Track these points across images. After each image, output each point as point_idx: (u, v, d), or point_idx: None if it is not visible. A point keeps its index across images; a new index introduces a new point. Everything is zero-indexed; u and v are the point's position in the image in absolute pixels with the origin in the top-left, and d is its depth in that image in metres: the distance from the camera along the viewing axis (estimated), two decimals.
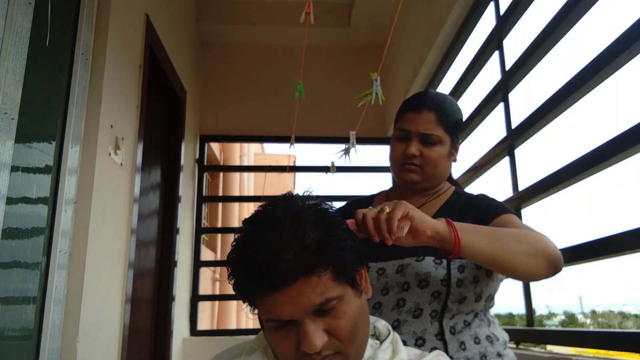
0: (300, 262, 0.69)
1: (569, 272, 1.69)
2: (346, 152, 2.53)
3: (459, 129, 1.21)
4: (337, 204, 1.35)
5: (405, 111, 1.19)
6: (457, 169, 2.69)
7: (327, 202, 0.79)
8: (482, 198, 1.16)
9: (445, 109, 1.17)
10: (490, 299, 1.12)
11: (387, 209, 0.85)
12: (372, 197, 1.33)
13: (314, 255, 0.70)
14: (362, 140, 3.65)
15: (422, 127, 1.14)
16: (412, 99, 1.21)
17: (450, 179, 1.29)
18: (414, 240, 0.88)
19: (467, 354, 1.04)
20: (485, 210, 1.10)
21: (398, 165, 1.19)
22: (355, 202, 1.32)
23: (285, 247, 0.69)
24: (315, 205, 0.76)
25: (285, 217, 0.72)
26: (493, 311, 1.19)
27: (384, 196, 1.30)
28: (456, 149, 1.22)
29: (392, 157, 1.21)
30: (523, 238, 0.96)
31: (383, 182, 4.41)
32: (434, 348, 1.03)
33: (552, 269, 0.97)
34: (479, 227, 0.95)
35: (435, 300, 1.06)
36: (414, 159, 1.15)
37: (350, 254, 0.74)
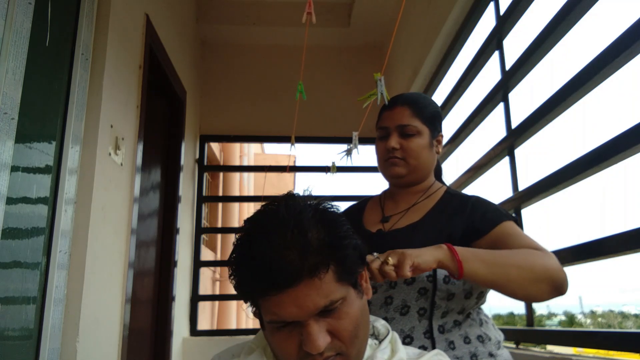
0: (304, 262, 0.68)
1: (569, 272, 1.69)
2: (348, 152, 2.53)
3: (438, 120, 1.24)
4: (338, 204, 1.36)
5: (382, 112, 1.25)
6: (457, 169, 2.70)
7: (328, 202, 0.78)
8: (476, 200, 1.15)
9: (419, 102, 1.21)
10: (481, 296, 1.12)
11: (391, 261, 0.87)
12: (365, 202, 1.33)
13: (318, 255, 0.69)
14: (362, 140, 3.64)
15: (398, 120, 1.19)
16: (388, 100, 1.26)
17: (441, 180, 1.30)
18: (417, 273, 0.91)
19: (456, 354, 1.04)
20: (482, 218, 1.09)
21: (383, 162, 1.22)
22: (348, 208, 1.34)
23: (290, 247, 0.68)
24: (318, 204, 0.76)
25: (288, 216, 0.71)
26: (493, 311, 1.19)
27: (376, 200, 1.31)
28: (439, 141, 1.24)
29: (377, 156, 1.25)
30: (524, 262, 0.95)
31: (382, 182, 4.39)
32: (422, 346, 1.03)
33: (555, 292, 0.97)
34: (478, 252, 0.96)
35: (422, 297, 1.06)
36: (396, 152, 1.18)
37: (353, 253, 0.74)
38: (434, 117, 1.22)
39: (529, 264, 0.95)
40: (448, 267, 0.92)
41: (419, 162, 1.18)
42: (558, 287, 0.96)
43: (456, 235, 1.09)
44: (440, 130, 1.25)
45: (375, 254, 0.92)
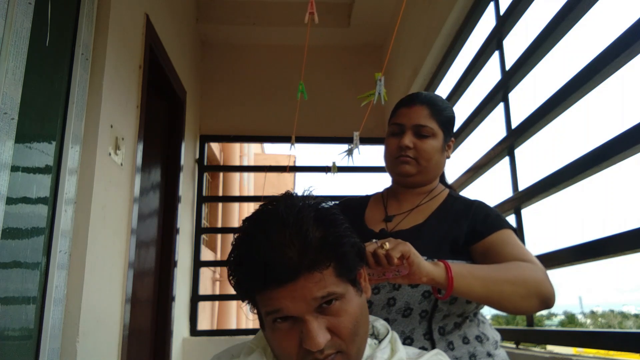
0: (303, 258, 0.69)
1: (569, 272, 1.69)
2: (349, 152, 2.53)
3: (452, 125, 1.23)
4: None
5: (398, 108, 1.23)
6: (457, 169, 2.70)
7: (327, 201, 0.79)
8: (479, 205, 1.16)
9: (437, 104, 1.20)
10: None
11: (387, 245, 0.86)
12: (367, 198, 1.33)
13: (317, 252, 0.70)
14: (363, 140, 3.64)
15: (415, 119, 1.17)
16: (405, 97, 1.25)
17: (444, 182, 1.30)
18: (408, 280, 0.90)
19: (456, 354, 1.05)
20: (483, 222, 1.10)
21: (393, 159, 1.20)
22: (348, 202, 1.33)
23: (289, 245, 0.69)
24: (317, 203, 0.77)
25: (287, 215, 0.72)
26: (493, 311, 1.19)
27: (379, 197, 1.30)
28: (449, 146, 1.24)
29: (387, 152, 1.23)
30: (517, 279, 0.96)
31: (382, 182, 4.40)
32: (422, 347, 1.04)
33: (543, 306, 0.99)
34: (474, 269, 0.96)
35: (426, 300, 1.06)
36: (408, 151, 1.17)
37: (352, 251, 0.75)
38: (449, 121, 1.22)
39: (521, 279, 0.96)
40: (439, 284, 0.91)
41: (429, 164, 1.18)
42: (546, 301, 0.98)
43: (461, 239, 1.09)
44: (452, 135, 1.24)
45: (374, 240, 0.91)
